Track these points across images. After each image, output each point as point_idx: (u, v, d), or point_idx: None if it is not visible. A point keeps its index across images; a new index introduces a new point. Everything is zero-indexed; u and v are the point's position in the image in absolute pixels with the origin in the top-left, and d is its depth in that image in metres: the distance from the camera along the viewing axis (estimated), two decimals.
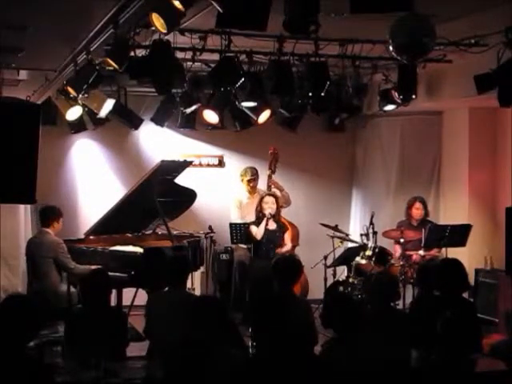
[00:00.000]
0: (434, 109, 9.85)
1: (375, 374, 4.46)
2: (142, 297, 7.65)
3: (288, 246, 8.80)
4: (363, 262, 8.58)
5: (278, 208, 8.75)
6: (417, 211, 9.00)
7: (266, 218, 8.55)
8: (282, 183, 9.55)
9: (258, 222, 8.63)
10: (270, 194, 8.80)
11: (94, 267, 7.59)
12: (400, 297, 6.75)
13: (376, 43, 6.93)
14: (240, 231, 8.71)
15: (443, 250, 8.52)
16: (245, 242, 8.86)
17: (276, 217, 8.69)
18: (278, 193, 9.31)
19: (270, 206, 8.62)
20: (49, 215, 7.82)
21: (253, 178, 9.41)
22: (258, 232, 8.55)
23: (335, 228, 9.19)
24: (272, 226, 8.67)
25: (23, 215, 9.33)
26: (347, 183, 10.86)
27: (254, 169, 9.50)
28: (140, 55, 6.56)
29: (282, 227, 8.78)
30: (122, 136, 9.87)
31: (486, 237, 9.18)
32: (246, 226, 8.69)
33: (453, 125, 9.91)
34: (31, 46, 6.42)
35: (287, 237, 8.84)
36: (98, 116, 8.66)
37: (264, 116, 8.78)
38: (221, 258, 9.64)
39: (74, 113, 8.67)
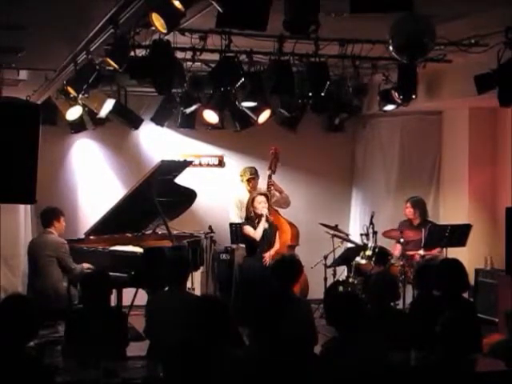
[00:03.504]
0: (434, 109, 9.85)
1: (375, 374, 4.46)
2: (142, 297, 7.67)
3: (276, 246, 8.69)
4: (363, 262, 8.58)
5: (270, 206, 8.73)
6: (407, 211, 8.99)
7: (264, 219, 8.46)
8: (282, 183, 9.55)
9: (249, 222, 8.56)
10: (261, 194, 8.70)
11: (87, 265, 7.66)
12: (400, 297, 6.75)
13: (376, 43, 6.92)
14: (240, 231, 8.70)
15: (443, 249, 8.53)
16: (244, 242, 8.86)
17: (268, 215, 8.67)
18: (276, 194, 9.32)
19: (263, 206, 8.53)
20: (48, 215, 7.86)
21: (252, 177, 9.41)
22: (257, 233, 8.46)
23: (335, 228, 9.19)
24: (265, 225, 8.62)
25: (23, 215, 9.34)
26: (347, 183, 10.87)
27: (253, 168, 9.50)
28: (140, 55, 6.56)
29: (272, 225, 8.71)
30: (122, 136, 9.88)
31: (486, 237, 9.18)
32: (239, 225, 8.64)
33: (453, 125, 9.91)
34: (31, 46, 6.41)
35: (277, 235, 8.79)
36: (98, 116, 8.67)
37: (264, 116, 8.78)
38: (221, 257, 9.65)
39: (74, 113, 8.67)
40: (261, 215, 8.44)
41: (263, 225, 8.45)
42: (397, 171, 10.26)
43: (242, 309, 7.62)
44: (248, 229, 8.53)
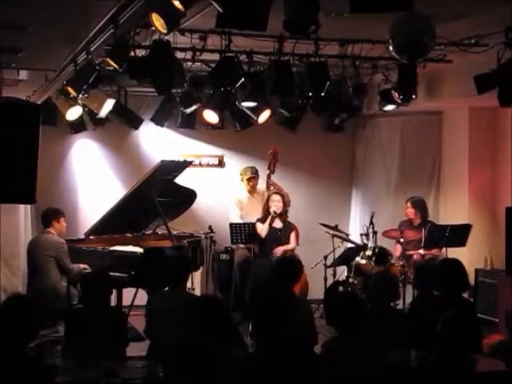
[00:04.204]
0: (434, 109, 9.85)
1: (375, 374, 4.46)
2: (142, 297, 7.66)
3: (292, 244, 8.81)
4: (363, 262, 8.58)
5: (285, 207, 8.80)
6: (407, 211, 9.01)
7: (270, 216, 8.62)
8: (282, 183, 9.55)
9: (264, 220, 8.71)
10: (276, 193, 8.88)
11: (83, 265, 7.68)
12: (400, 297, 6.75)
13: (376, 43, 6.93)
14: (240, 231, 8.73)
15: (443, 249, 8.53)
16: (245, 242, 8.88)
17: (283, 216, 8.75)
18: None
19: (275, 205, 8.71)
20: (48, 216, 7.92)
21: (253, 176, 9.45)
22: (262, 229, 8.64)
23: (335, 228, 9.19)
24: (278, 224, 8.74)
25: (23, 215, 9.35)
26: (347, 183, 10.87)
27: (254, 168, 9.55)
28: (140, 55, 6.56)
29: (288, 226, 8.81)
30: (122, 136, 9.87)
31: (486, 237, 9.18)
32: (253, 223, 8.76)
33: (453, 125, 9.91)
34: (31, 46, 6.41)
35: (293, 236, 8.87)
36: (98, 116, 8.66)
37: (264, 116, 8.78)
38: (221, 258, 9.67)
39: (74, 113, 8.67)
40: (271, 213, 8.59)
41: (269, 222, 8.59)
42: (397, 171, 10.26)
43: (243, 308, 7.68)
44: (258, 225, 8.72)
